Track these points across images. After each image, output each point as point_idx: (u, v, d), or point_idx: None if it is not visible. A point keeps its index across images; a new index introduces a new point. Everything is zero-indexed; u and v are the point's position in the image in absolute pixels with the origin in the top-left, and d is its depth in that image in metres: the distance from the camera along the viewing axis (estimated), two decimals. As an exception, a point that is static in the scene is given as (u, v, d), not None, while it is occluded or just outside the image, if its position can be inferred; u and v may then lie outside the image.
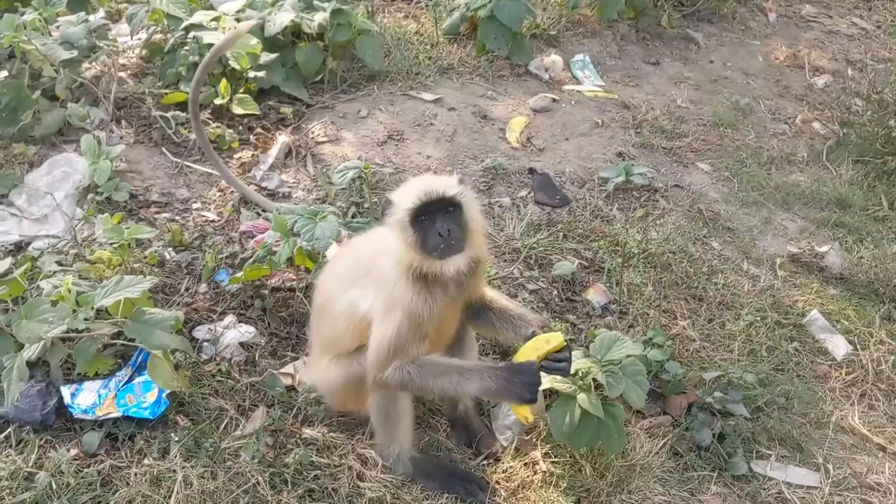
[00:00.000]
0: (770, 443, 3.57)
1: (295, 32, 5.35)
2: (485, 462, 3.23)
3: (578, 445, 3.15)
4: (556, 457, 3.25)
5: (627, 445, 3.32)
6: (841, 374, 4.04)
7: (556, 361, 2.90)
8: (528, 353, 2.88)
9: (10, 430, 3.00)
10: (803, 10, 8.48)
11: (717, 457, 3.44)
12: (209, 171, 4.53)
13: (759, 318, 4.19)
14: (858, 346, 4.20)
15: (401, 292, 2.78)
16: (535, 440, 3.33)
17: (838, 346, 4.18)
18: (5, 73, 4.73)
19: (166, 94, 4.96)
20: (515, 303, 3.37)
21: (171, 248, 3.91)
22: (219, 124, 4.80)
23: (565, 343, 2.91)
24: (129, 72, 5.19)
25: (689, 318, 4.14)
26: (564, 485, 3.13)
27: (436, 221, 2.71)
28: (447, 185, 2.77)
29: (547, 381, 3.16)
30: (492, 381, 2.77)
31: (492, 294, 3.20)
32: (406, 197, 2.75)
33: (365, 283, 2.94)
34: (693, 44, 7.28)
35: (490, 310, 3.14)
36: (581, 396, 3.07)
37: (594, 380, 3.10)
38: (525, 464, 3.22)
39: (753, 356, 3.99)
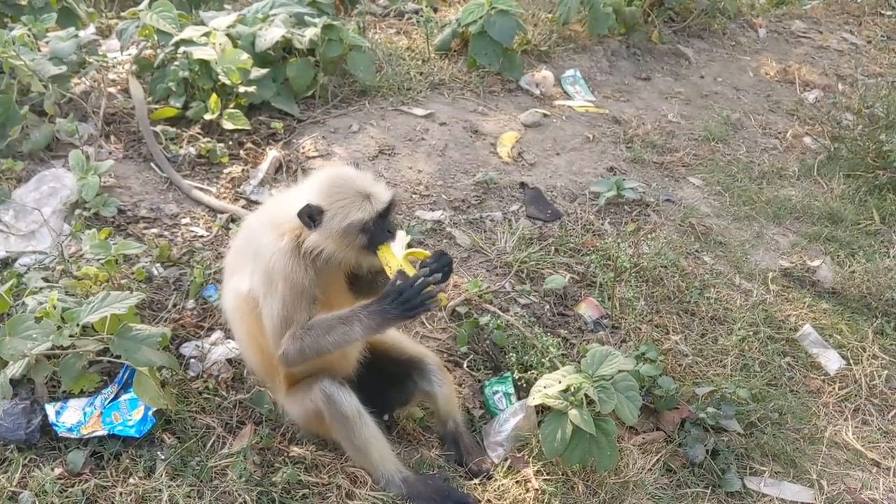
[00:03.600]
0: (764, 459, 3.54)
1: (286, 48, 5.35)
2: (476, 480, 3.19)
3: (570, 462, 3.12)
4: (548, 474, 3.21)
5: (620, 462, 3.29)
6: (834, 388, 4.02)
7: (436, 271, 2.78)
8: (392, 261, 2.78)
9: (-7, 448, 2.96)
10: (793, 26, 8.53)
11: (711, 473, 3.40)
12: (197, 185, 4.52)
13: (751, 333, 4.18)
14: (851, 361, 4.18)
15: (277, 260, 2.76)
16: (526, 457, 3.29)
17: (831, 361, 4.16)
18: (-7, 88, 4.71)
19: (156, 109, 4.95)
20: None
21: (158, 264, 3.88)
22: (209, 139, 4.78)
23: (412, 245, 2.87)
24: (118, 87, 5.17)
25: (682, 333, 4.12)
26: (557, 503, 3.10)
27: (381, 222, 2.77)
28: (382, 187, 2.81)
29: (538, 396, 3.14)
30: (371, 318, 2.74)
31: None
32: (350, 204, 2.73)
33: (244, 266, 2.91)
34: (683, 59, 7.31)
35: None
36: (573, 412, 3.04)
37: (586, 395, 3.07)
38: (517, 481, 3.19)
39: (746, 371, 3.97)
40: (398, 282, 2.71)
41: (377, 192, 2.78)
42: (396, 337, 3.40)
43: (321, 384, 2.91)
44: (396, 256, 2.77)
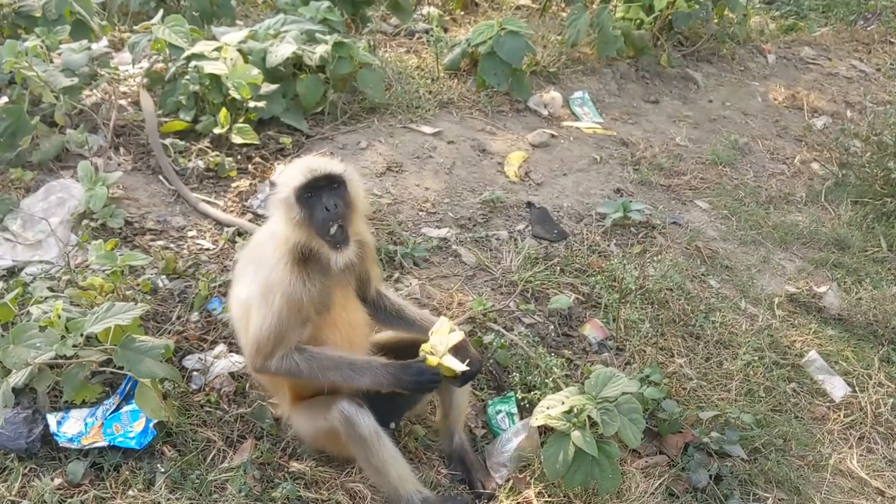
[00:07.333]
0: (767, 485, 3.51)
1: (296, 64, 5.38)
2: (479, 502, 3.17)
3: (572, 484, 3.09)
4: (549, 496, 3.19)
5: (622, 485, 3.27)
6: (839, 416, 3.99)
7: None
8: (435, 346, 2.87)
9: (-7, 457, 2.95)
10: (802, 53, 8.55)
11: (714, 499, 3.37)
12: (205, 198, 4.53)
13: (756, 358, 4.15)
14: (857, 388, 4.15)
15: (279, 275, 2.76)
16: (528, 478, 3.27)
17: (837, 388, 4.13)
18: (5, 98, 4.74)
19: (166, 122, 4.97)
20: (413, 304, 3.41)
21: (164, 276, 3.88)
22: (217, 153, 4.80)
23: (462, 336, 2.92)
24: (129, 99, 5.20)
25: (687, 357, 4.10)
26: (557, 524, 3.07)
27: (322, 197, 2.76)
28: (331, 163, 2.84)
29: (541, 417, 3.12)
30: (383, 377, 2.83)
31: (388, 292, 3.24)
32: (291, 176, 2.78)
33: (249, 275, 2.91)
34: (692, 83, 7.33)
35: (386, 309, 3.19)
36: (575, 434, 3.02)
37: (589, 417, 3.05)
38: (518, 503, 3.16)
39: (751, 396, 3.94)
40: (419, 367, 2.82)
41: (320, 166, 2.79)
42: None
43: (339, 405, 2.85)
44: (440, 347, 2.85)
